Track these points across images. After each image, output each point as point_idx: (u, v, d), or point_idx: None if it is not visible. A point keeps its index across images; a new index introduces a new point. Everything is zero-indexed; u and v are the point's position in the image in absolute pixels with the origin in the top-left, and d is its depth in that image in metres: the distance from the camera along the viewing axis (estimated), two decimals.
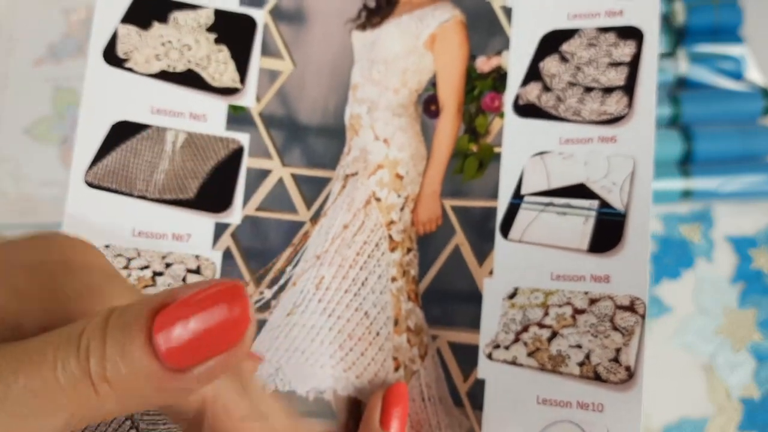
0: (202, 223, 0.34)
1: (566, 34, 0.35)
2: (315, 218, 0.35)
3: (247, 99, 0.34)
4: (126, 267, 0.32)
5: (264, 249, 0.35)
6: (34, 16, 0.62)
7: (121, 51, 0.33)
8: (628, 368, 0.32)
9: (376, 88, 0.35)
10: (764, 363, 0.54)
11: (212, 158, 0.33)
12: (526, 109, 0.35)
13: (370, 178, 0.35)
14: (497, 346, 0.34)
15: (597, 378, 0.32)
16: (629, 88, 0.34)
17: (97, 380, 0.16)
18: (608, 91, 0.34)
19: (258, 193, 0.35)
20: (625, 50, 0.34)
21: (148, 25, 0.33)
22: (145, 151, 0.33)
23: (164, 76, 0.33)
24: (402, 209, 0.36)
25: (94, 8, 0.33)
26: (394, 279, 0.35)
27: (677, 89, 0.58)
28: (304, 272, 0.35)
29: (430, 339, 0.35)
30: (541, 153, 0.34)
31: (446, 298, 0.36)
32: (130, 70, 0.33)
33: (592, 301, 0.33)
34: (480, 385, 0.34)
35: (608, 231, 0.33)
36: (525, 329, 0.33)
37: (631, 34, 0.34)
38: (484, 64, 0.35)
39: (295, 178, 0.36)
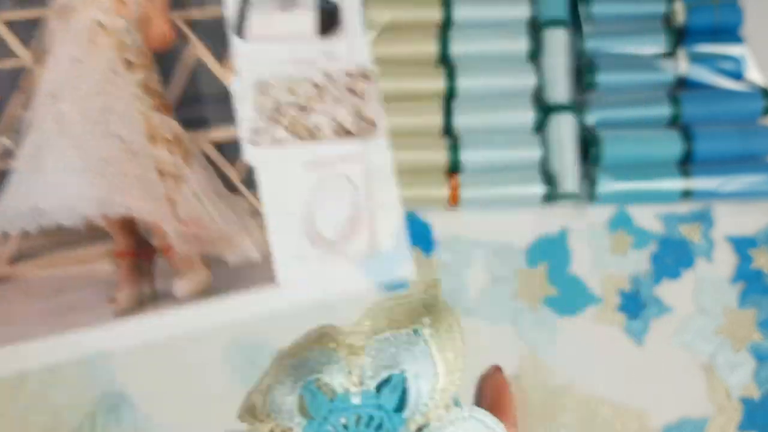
0: None
1: None
2: (38, 59, 0.38)
3: None
4: None
5: None
6: None
7: None
8: (371, 120, 0.41)
9: None
10: (764, 363, 0.54)
11: None
12: None
13: (90, 7, 0.37)
14: (257, 133, 0.40)
15: (348, 134, 0.41)
16: None
17: None
18: None
19: None
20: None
21: None
22: None
23: None
24: (130, 31, 0.39)
25: None
26: (139, 98, 0.37)
27: (677, 89, 0.58)
28: (41, 113, 0.37)
29: (191, 143, 0.41)
30: None
31: (198, 103, 0.41)
32: None
33: (330, 76, 0.41)
34: (251, 170, 0.40)
35: (330, 18, 0.40)
36: (279, 112, 0.40)
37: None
38: None
39: (8, 24, 0.39)
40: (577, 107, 0.58)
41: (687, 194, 0.56)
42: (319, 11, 0.41)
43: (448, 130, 0.57)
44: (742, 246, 0.56)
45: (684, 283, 0.56)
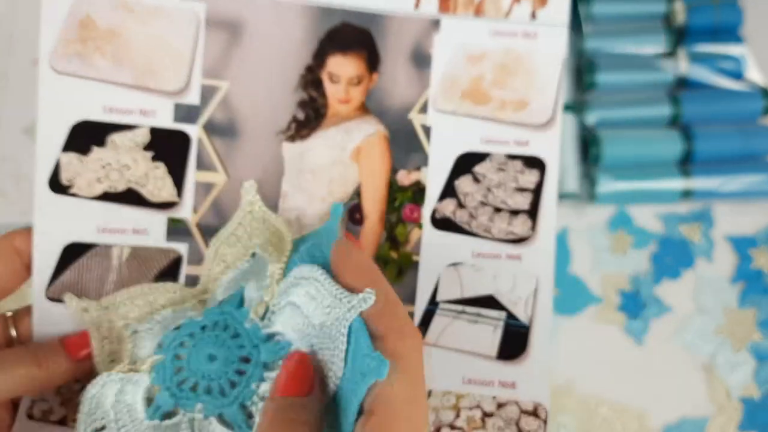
0: None
1: (479, 157, 0.38)
2: None
3: (185, 211, 0.36)
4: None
5: None
6: (34, 16, 0.62)
7: (64, 179, 0.35)
8: None
9: (305, 196, 0.37)
10: (764, 363, 0.54)
11: (155, 268, 0.36)
12: (442, 223, 0.37)
13: None
14: None
15: None
16: (533, 212, 0.38)
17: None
18: (515, 213, 0.38)
19: None
20: (529, 178, 0.38)
21: (87, 151, 0.36)
22: (95, 267, 0.35)
23: (107, 196, 0.36)
24: None
25: (35, 146, 0.35)
26: None
27: (677, 89, 0.58)
28: None
29: None
30: (455, 264, 0.37)
31: None
32: (74, 195, 0.35)
33: (500, 406, 0.36)
34: None
35: (514, 340, 0.37)
36: (437, 431, 0.36)
37: (536, 163, 0.38)
38: (404, 178, 0.38)
39: None
40: (577, 107, 0.57)
41: (687, 194, 0.56)
42: (507, 331, 0.37)
43: None
44: (742, 246, 0.56)
45: (684, 283, 0.56)
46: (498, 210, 0.38)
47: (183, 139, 0.36)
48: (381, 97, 0.38)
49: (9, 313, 0.35)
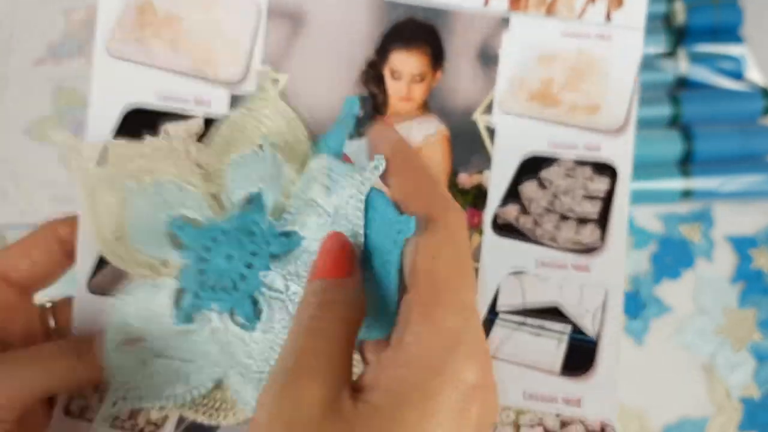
0: None
1: (546, 161, 0.36)
2: None
3: None
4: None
5: None
6: (34, 16, 0.62)
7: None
8: None
9: None
10: (764, 363, 0.54)
11: None
12: (504, 229, 0.36)
13: None
14: None
15: None
16: (602, 221, 0.36)
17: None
18: (583, 221, 0.36)
19: None
20: (599, 185, 0.36)
21: (139, 138, 0.34)
22: None
23: None
24: None
25: (86, 127, 0.34)
26: None
27: (677, 89, 0.58)
28: None
29: None
30: (518, 272, 0.36)
31: None
32: None
33: (564, 424, 0.34)
34: None
35: (580, 355, 0.35)
36: None
37: (606, 170, 0.36)
38: (465, 180, 0.36)
39: None
40: None
41: (687, 194, 0.56)
42: (572, 346, 0.35)
43: None
44: (742, 246, 0.56)
45: (684, 283, 0.56)
46: (565, 218, 0.36)
47: None
48: (444, 97, 0.36)
49: (48, 304, 0.34)
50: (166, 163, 0.33)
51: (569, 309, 0.35)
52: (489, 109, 0.36)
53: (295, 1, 0.35)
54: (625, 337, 0.55)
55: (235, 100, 0.35)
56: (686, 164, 0.56)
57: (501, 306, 0.36)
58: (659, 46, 0.59)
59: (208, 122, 0.35)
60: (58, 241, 0.33)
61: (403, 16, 0.35)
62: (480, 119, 0.36)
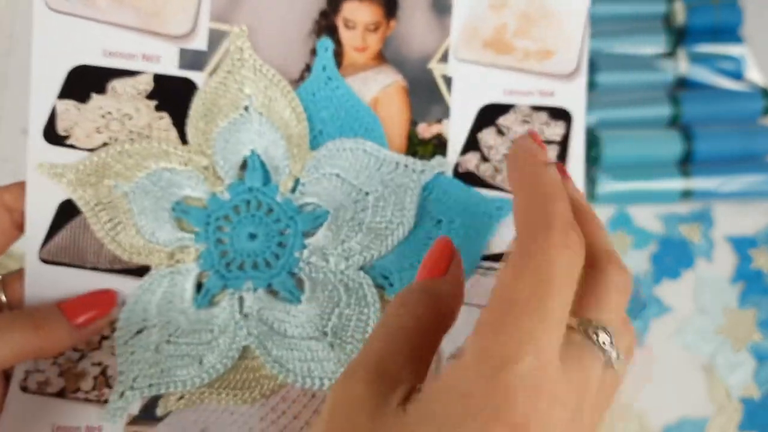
0: None
1: (502, 109, 0.36)
2: None
3: None
4: None
5: None
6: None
7: (61, 128, 0.33)
8: None
9: None
10: (764, 363, 0.54)
11: None
12: (466, 177, 0.36)
13: None
14: None
15: None
16: None
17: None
18: None
19: None
20: (555, 130, 0.36)
21: (86, 98, 0.33)
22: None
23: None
24: None
25: (29, 88, 0.33)
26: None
27: (677, 89, 0.58)
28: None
29: None
30: None
31: None
32: (71, 146, 0.33)
33: None
34: None
35: None
36: None
37: (561, 115, 0.36)
38: (424, 131, 0.36)
39: None
40: None
41: (687, 194, 0.56)
42: None
43: None
44: (742, 246, 0.56)
45: (684, 283, 0.56)
46: None
47: (189, 88, 0.34)
48: (399, 46, 0.36)
49: None
50: (150, 158, 0.33)
51: None
52: (444, 57, 0.36)
53: None
54: None
55: (184, 56, 0.34)
56: (686, 164, 0.56)
57: None
58: (659, 47, 0.59)
59: (157, 79, 0.34)
60: (6, 209, 0.32)
61: None
62: (436, 68, 0.36)
